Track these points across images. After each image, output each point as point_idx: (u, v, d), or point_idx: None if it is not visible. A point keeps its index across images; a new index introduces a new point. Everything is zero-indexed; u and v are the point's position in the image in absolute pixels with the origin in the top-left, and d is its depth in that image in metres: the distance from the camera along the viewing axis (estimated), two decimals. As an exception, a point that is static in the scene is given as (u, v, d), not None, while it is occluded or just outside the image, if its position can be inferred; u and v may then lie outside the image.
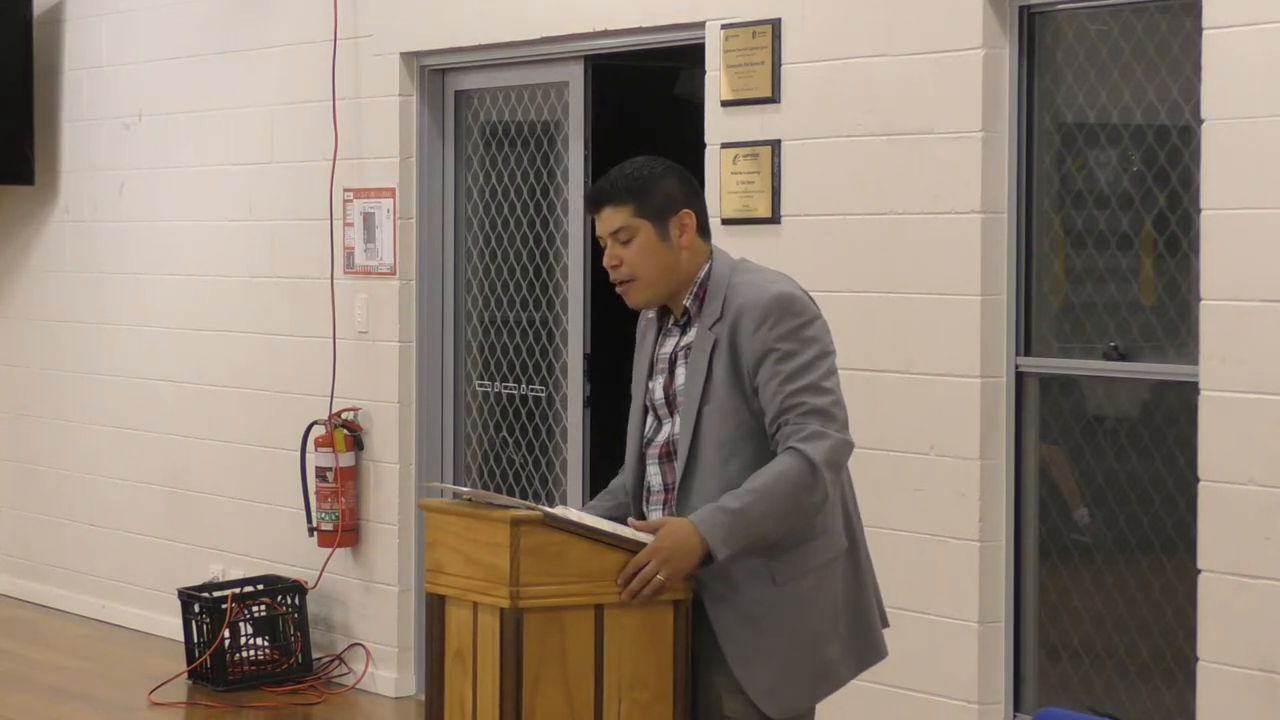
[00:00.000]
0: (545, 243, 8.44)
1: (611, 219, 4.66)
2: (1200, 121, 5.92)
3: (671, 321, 4.74)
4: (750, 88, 7.15)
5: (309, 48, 9.02)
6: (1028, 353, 6.56)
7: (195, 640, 8.91)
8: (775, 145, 7.08)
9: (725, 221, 7.14)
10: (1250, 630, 5.79)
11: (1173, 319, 6.26)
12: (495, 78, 8.57)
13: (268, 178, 9.32)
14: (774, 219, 7.09)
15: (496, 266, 8.65)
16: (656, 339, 4.77)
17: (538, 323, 8.49)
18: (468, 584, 4.54)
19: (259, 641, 8.87)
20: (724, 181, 7.20)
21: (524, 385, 8.54)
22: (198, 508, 9.75)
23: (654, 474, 4.70)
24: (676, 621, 4.53)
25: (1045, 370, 6.55)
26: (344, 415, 8.85)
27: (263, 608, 8.86)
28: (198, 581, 9.32)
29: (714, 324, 4.61)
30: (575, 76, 8.19)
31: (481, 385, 8.74)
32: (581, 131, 8.16)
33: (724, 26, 7.24)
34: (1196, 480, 5.93)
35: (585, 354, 8.20)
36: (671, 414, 4.67)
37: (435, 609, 4.66)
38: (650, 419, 4.74)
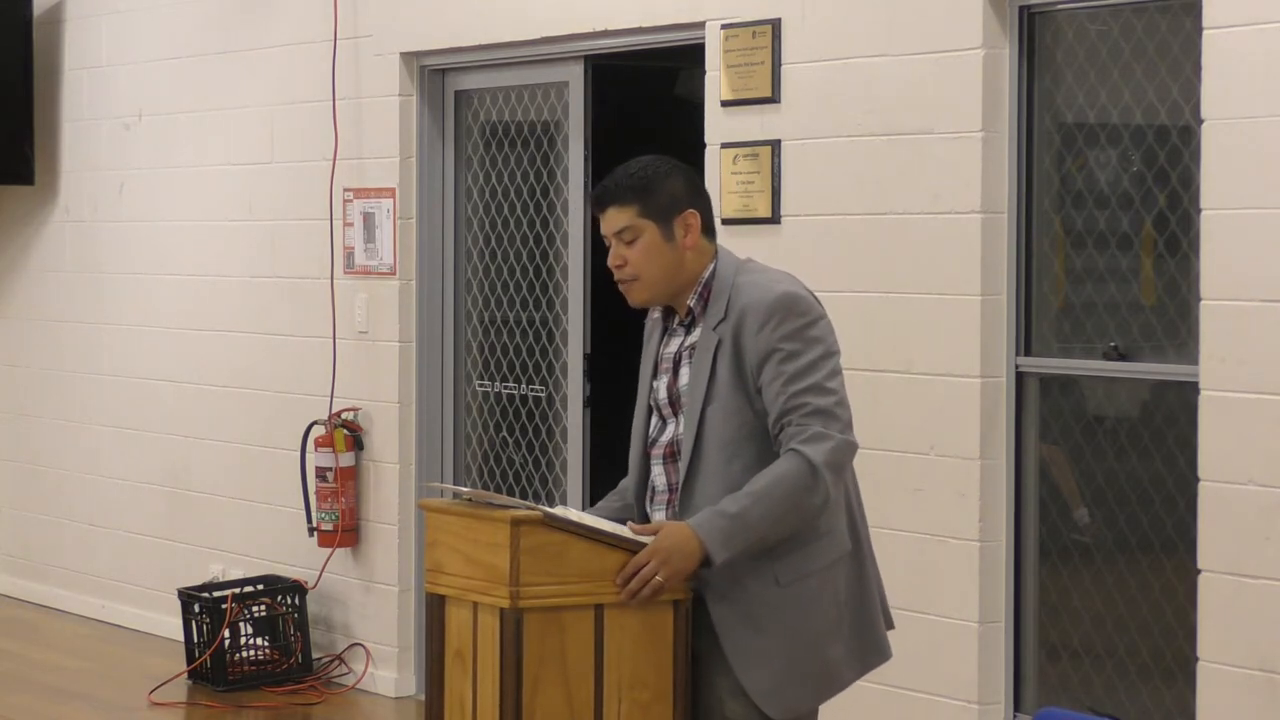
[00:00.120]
0: (545, 243, 8.44)
1: (616, 219, 4.65)
2: (1200, 121, 5.92)
3: (676, 321, 4.73)
4: (750, 88, 7.15)
5: (309, 48, 9.02)
6: (1028, 353, 6.56)
7: (195, 640, 8.91)
8: (775, 145, 7.08)
9: (725, 221, 7.14)
10: (1250, 630, 5.78)
11: (1173, 319, 6.26)
12: (495, 78, 8.57)
13: (268, 178, 9.32)
14: (774, 219, 7.09)
15: (496, 266, 8.65)
16: (662, 338, 4.76)
17: (538, 323, 8.49)
18: (468, 584, 4.54)
19: (259, 641, 8.87)
20: (724, 181, 7.20)
21: (524, 385, 8.54)
22: (198, 508, 9.75)
23: (658, 474, 4.70)
24: (676, 621, 4.52)
25: (1045, 370, 6.55)
26: (344, 415, 8.85)
27: (263, 608, 8.85)
28: (198, 581, 9.32)
29: (718, 324, 4.60)
30: (575, 76, 8.19)
31: (481, 385, 8.74)
32: (581, 131, 8.16)
33: (724, 26, 7.24)
34: (1196, 480, 5.93)
35: (585, 354, 8.20)
36: (675, 414, 4.67)
37: (435, 609, 4.66)
38: (655, 419, 4.73)
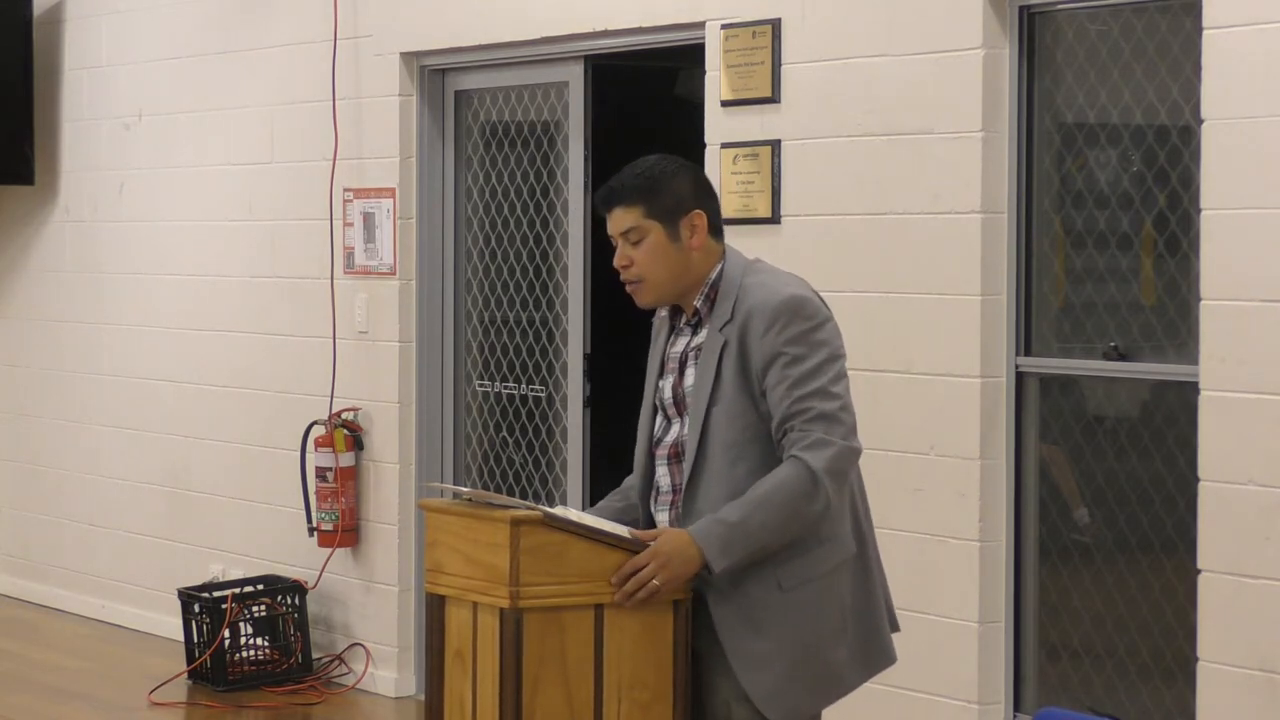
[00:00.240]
0: (545, 243, 8.44)
1: (622, 219, 4.64)
2: (1200, 121, 5.92)
3: (683, 321, 4.72)
4: (750, 88, 7.15)
5: (309, 48, 9.02)
6: (1028, 353, 6.56)
7: (195, 640, 8.91)
8: (775, 145, 7.08)
9: (725, 222, 7.12)
10: (1250, 630, 5.78)
11: (1173, 319, 6.26)
12: (495, 78, 8.57)
13: (268, 178, 9.32)
14: (774, 219, 7.09)
15: (496, 266, 8.65)
16: (668, 338, 4.75)
17: (538, 323, 8.48)
18: (468, 584, 4.54)
19: (259, 641, 8.87)
20: (724, 181, 7.20)
21: (524, 385, 8.54)
22: (198, 508, 9.75)
23: (663, 474, 4.69)
24: (676, 621, 4.52)
25: (1045, 370, 6.55)
26: (344, 415, 8.85)
27: (263, 608, 8.85)
28: (198, 581, 9.32)
29: (724, 325, 4.58)
30: (575, 76, 8.19)
31: (481, 385, 8.74)
32: (581, 131, 8.16)
33: (724, 26, 7.24)
34: (1196, 480, 5.93)
35: (585, 354, 8.20)
36: (680, 414, 4.65)
37: (435, 609, 4.66)
38: (660, 419, 4.71)
